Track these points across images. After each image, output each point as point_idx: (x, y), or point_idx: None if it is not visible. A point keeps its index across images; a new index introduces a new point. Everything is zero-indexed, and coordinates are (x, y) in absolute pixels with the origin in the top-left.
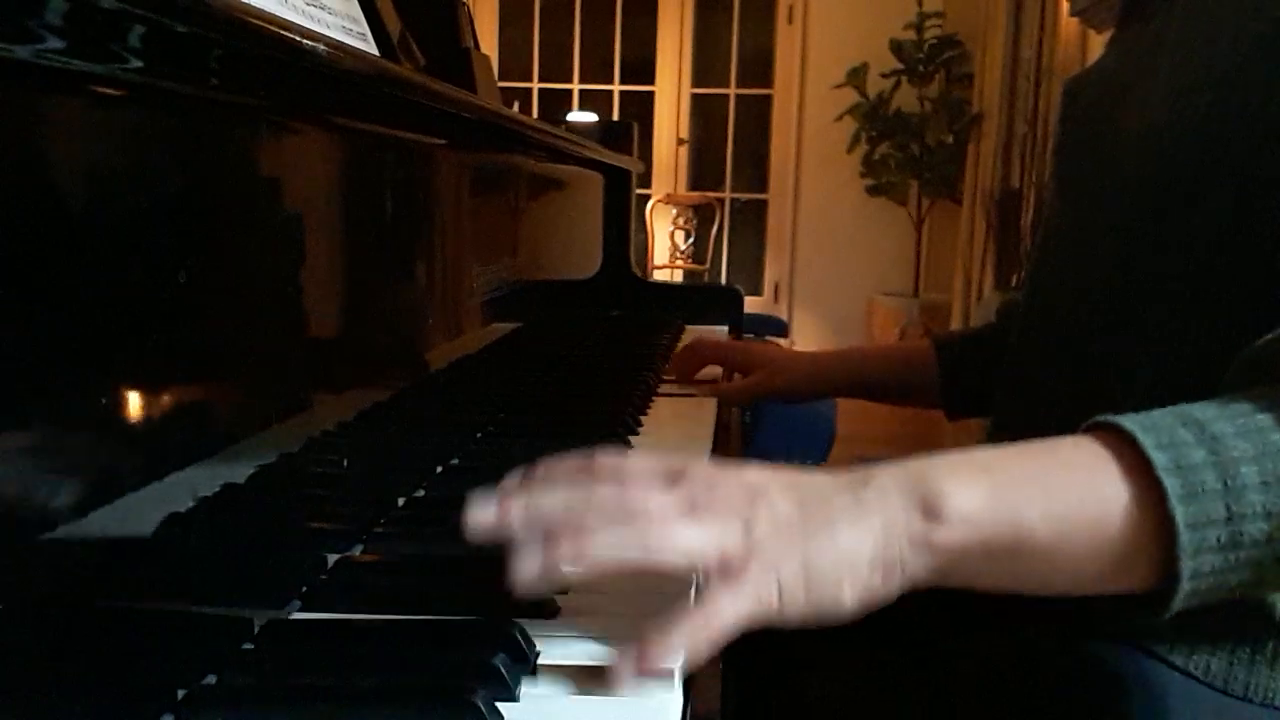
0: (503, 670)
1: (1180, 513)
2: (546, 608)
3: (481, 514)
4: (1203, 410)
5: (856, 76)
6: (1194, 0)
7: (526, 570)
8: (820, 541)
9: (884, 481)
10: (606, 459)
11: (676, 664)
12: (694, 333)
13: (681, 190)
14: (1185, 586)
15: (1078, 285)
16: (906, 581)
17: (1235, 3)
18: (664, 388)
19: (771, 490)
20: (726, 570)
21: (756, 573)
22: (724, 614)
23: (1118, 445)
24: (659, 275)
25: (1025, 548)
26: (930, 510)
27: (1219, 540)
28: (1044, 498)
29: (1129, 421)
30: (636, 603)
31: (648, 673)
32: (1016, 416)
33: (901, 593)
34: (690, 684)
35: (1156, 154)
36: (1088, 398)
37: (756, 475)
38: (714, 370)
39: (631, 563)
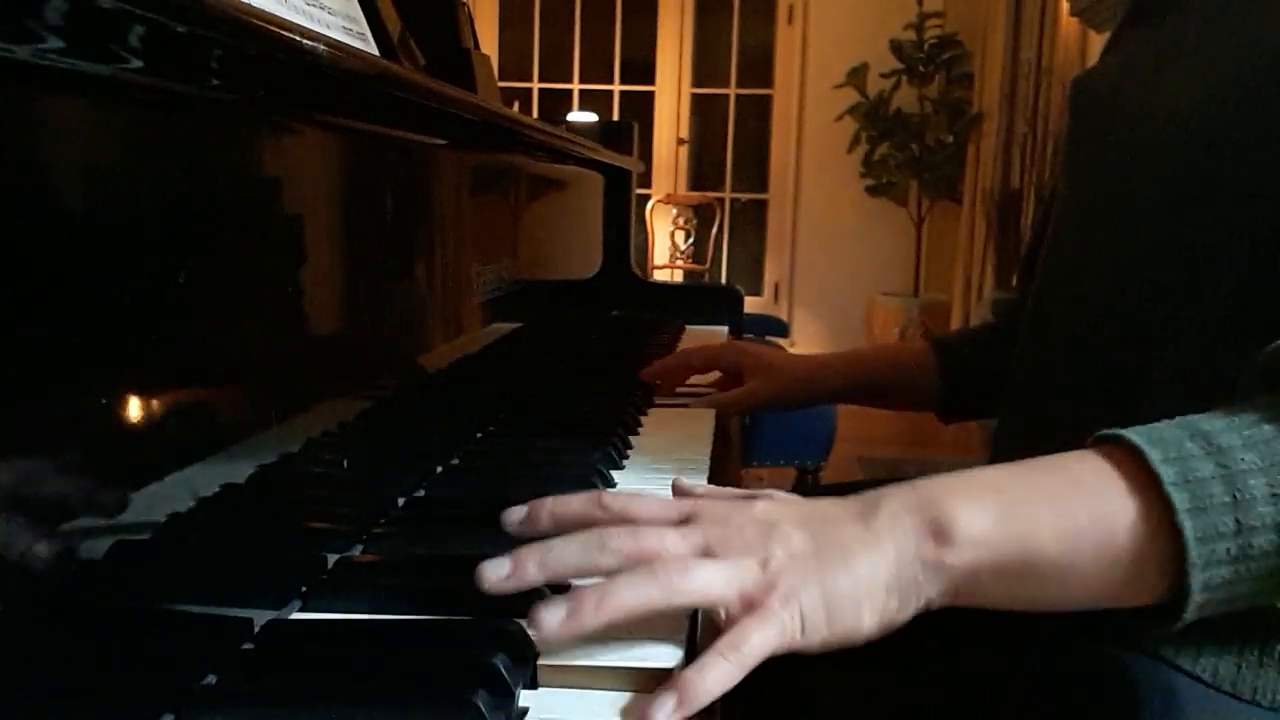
0: (503, 670)
1: (1189, 527)
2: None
3: (496, 572)
4: (1210, 422)
5: (856, 76)
6: (1211, 5)
7: (550, 623)
8: (837, 571)
9: (894, 507)
10: (613, 499)
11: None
12: (694, 333)
13: (681, 190)
14: (1196, 599)
15: (1089, 288)
16: (922, 604)
17: (1258, 10)
18: (656, 398)
19: (784, 524)
20: (749, 605)
21: (778, 604)
22: (753, 646)
23: (1125, 460)
24: (659, 275)
25: (1036, 567)
26: (940, 534)
27: (1228, 553)
28: (1053, 516)
29: (1136, 435)
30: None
31: (688, 712)
32: (1024, 419)
33: (917, 614)
34: None
35: (1174, 159)
36: (1099, 401)
37: (766, 510)
38: (709, 375)
39: (652, 606)
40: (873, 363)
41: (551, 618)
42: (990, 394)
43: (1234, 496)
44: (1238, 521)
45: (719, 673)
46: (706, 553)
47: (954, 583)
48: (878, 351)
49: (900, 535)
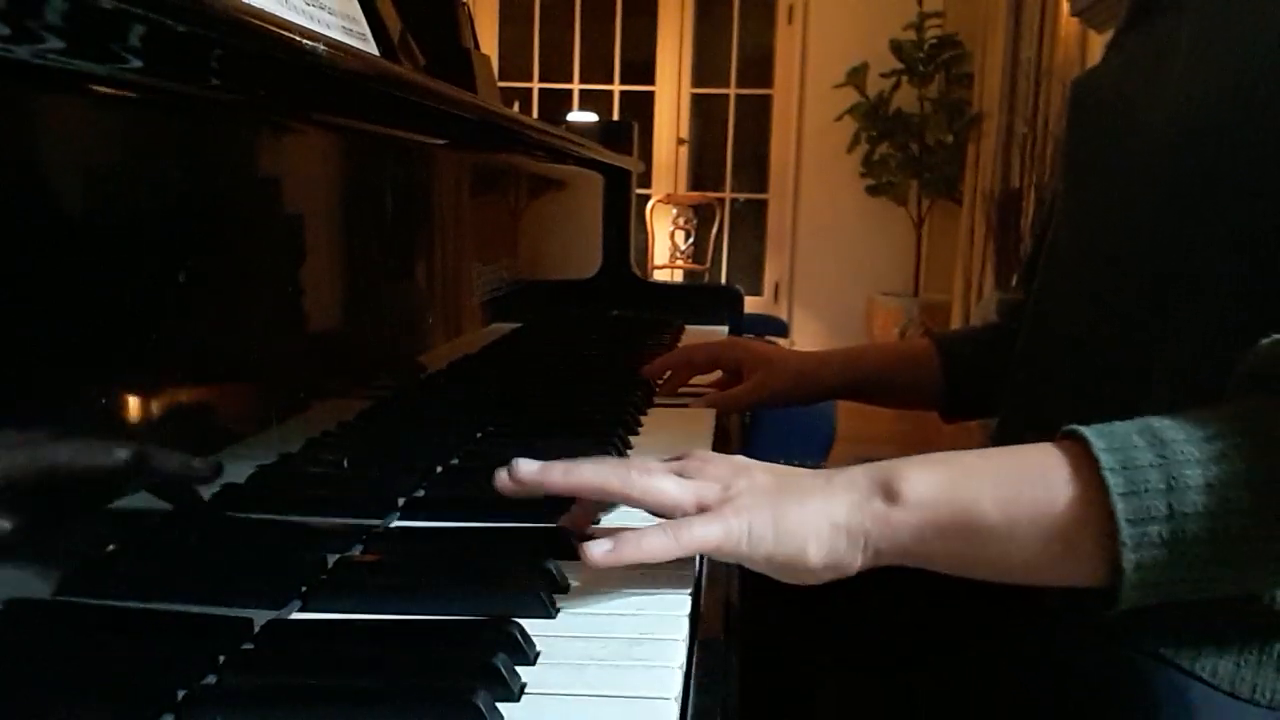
0: (503, 670)
1: (1121, 508)
2: (547, 607)
3: (528, 467)
4: (1161, 420)
5: (856, 76)
6: (1207, 4)
7: (529, 471)
8: (789, 503)
9: (854, 471)
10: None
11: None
12: (694, 333)
13: (681, 190)
14: (1131, 578)
15: (1089, 288)
16: (872, 555)
17: (1253, 8)
18: (656, 399)
19: (754, 468)
20: (703, 510)
21: (729, 512)
22: (694, 533)
23: (1073, 448)
24: (659, 275)
25: (977, 532)
26: (889, 493)
27: (1160, 536)
28: (995, 488)
29: (1088, 429)
30: (636, 603)
31: (610, 561)
32: (1023, 419)
33: (870, 567)
34: (688, 690)
35: (1173, 159)
36: (1098, 401)
37: (745, 459)
38: (710, 375)
39: (603, 489)
40: (875, 360)
41: (526, 466)
42: (993, 394)
43: (1169, 484)
44: (1170, 506)
45: (657, 541)
46: (680, 474)
47: (901, 540)
48: (881, 349)
49: (854, 489)
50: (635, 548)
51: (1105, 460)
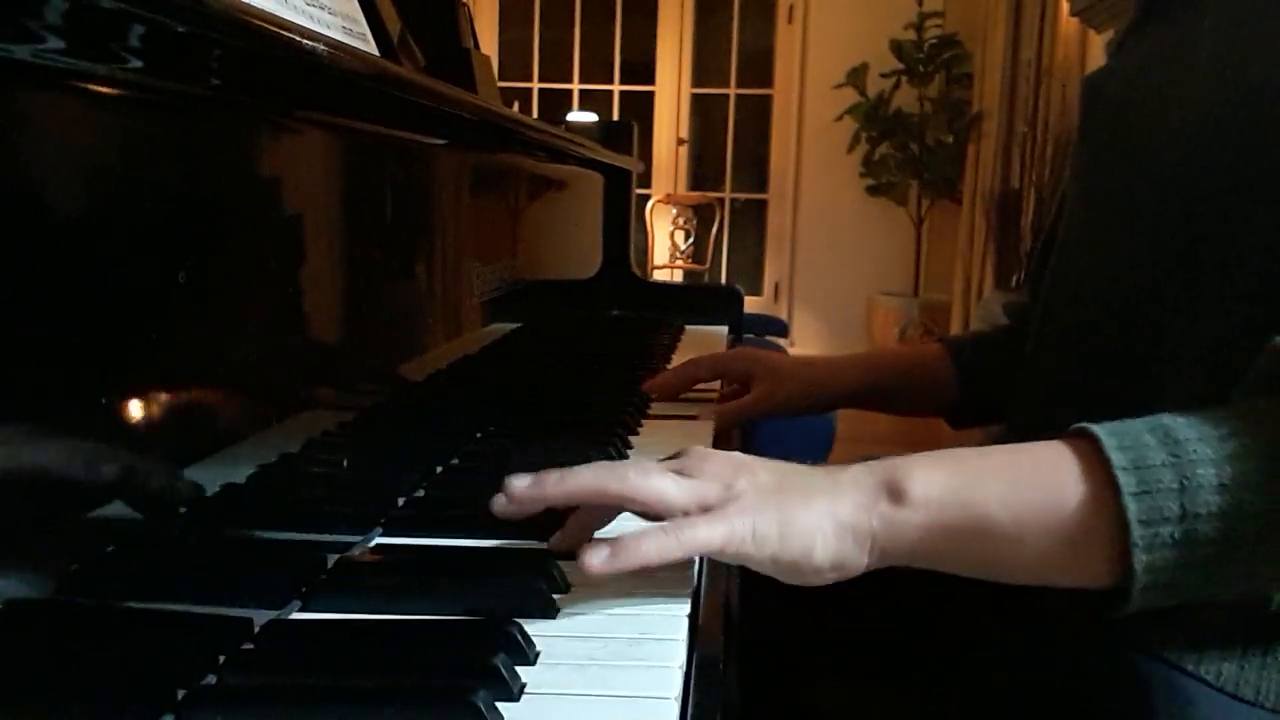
0: (503, 670)
1: (1134, 509)
2: (547, 607)
3: (520, 481)
4: (1174, 419)
5: (856, 76)
6: (1230, 5)
7: (522, 488)
8: (795, 503)
9: (859, 469)
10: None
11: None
12: (694, 333)
13: (681, 190)
14: (1141, 579)
15: (1104, 290)
16: (879, 555)
17: (1272, 11)
18: (656, 408)
19: (755, 465)
20: (705, 510)
21: (733, 513)
22: (697, 534)
23: (1084, 446)
24: (659, 275)
25: (986, 533)
26: (896, 493)
27: (1173, 537)
28: (1002, 487)
29: (1098, 427)
30: (636, 603)
31: (609, 569)
32: (1031, 422)
33: (876, 567)
34: (688, 690)
35: (1195, 159)
36: (1107, 403)
37: (745, 456)
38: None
39: (599, 492)
40: (889, 368)
41: (519, 482)
42: (1005, 399)
43: (1181, 484)
44: (1183, 507)
45: (657, 543)
46: (680, 473)
47: (909, 541)
48: (892, 355)
49: (860, 489)
50: (634, 553)
51: (1117, 460)
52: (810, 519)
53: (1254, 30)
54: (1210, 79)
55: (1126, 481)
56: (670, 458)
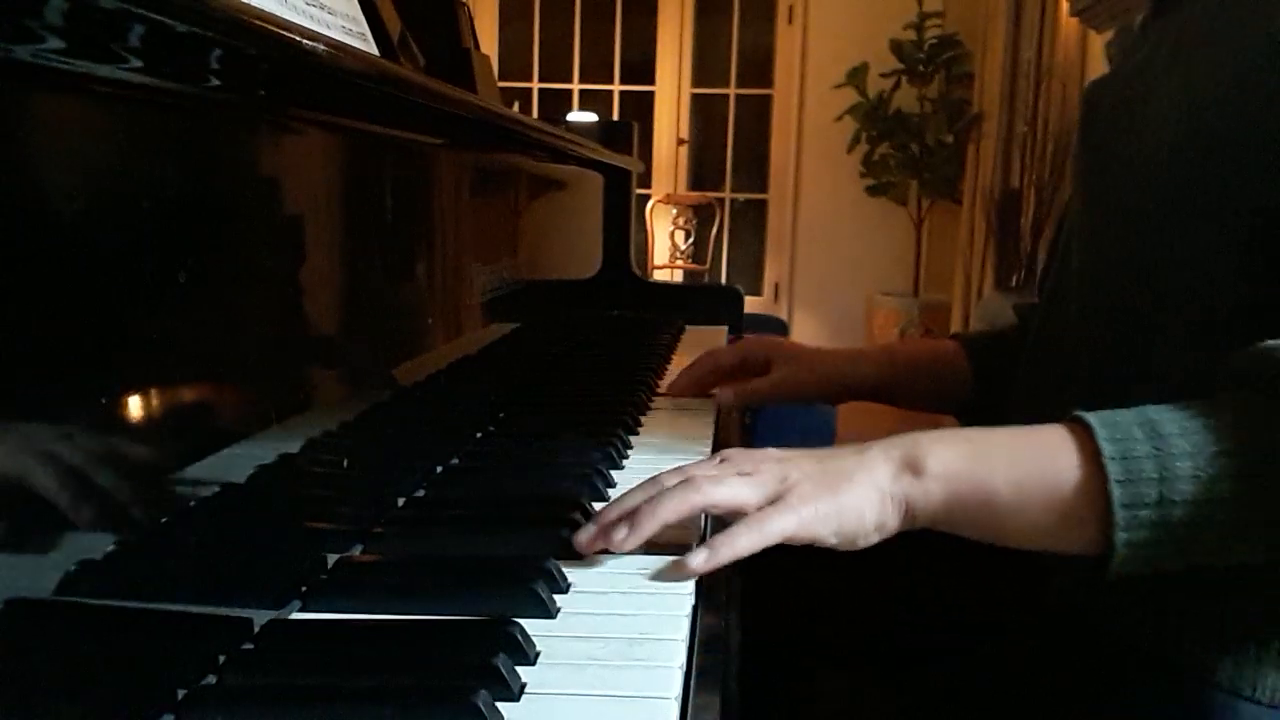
0: (503, 670)
1: (1117, 493)
2: (547, 607)
3: (585, 535)
4: (1160, 412)
5: (856, 76)
6: (1207, 4)
7: (618, 539)
8: (841, 485)
9: (883, 444)
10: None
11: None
12: (694, 333)
13: (681, 190)
14: (1121, 553)
15: (1098, 290)
16: (909, 519)
17: (1249, 6)
18: (662, 401)
19: (795, 456)
20: (771, 503)
21: (796, 502)
22: (773, 524)
23: (1081, 433)
24: (659, 275)
25: (990, 504)
26: (915, 468)
27: (1150, 519)
28: (1008, 465)
29: (1093, 416)
30: (636, 603)
31: (710, 566)
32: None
33: (906, 528)
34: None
35: (1174, 157)
36: (1107, 401)
37: (780, 450)
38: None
39: (694, 509)
40: (907, 361)
41: (618, 535)
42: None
43: (1161, 474)
44: (1160, 494)
45: (744, 540)
46: (739, 474)
47: (928, 508)
48: (911, 348)
49: (890, 461)
50: (730, 549)
51: (1107, 449)
52: (859, 492)
53: (1225, 27)
54: (1187, 78)
55: (1113, 469)
56: (706, 461)
